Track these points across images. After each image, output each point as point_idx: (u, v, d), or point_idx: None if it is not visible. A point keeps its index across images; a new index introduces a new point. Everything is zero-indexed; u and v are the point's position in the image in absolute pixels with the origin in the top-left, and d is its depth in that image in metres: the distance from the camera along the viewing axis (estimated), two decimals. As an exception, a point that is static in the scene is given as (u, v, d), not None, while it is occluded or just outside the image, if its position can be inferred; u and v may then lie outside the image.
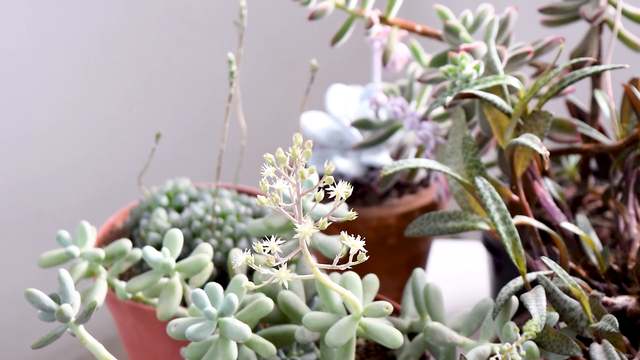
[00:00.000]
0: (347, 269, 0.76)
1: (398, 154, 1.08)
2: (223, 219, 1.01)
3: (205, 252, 0.90)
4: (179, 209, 1.04)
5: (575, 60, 0.92)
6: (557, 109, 1.04)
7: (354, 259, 0.75)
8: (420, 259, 1.17)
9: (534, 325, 0.72)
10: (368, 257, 0.74)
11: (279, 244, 0.72)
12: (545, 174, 1.05)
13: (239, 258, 0.74)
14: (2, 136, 1.45)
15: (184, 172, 1.25)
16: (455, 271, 1.28)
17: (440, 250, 1.31)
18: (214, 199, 1.01)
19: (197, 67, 1.58)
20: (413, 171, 1.13)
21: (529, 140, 0.87)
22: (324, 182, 0.72)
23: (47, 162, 1.49)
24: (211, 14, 1.56)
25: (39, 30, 1.46)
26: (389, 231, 1.12)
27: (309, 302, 0.90)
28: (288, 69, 1.64)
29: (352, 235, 0.74)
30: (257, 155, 1.45)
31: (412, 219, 1.12)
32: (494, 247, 1.12)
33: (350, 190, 0.73)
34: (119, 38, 1.51)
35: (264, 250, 0.72)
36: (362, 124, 1.11)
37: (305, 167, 0.73)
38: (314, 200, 0.74)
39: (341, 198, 0.73)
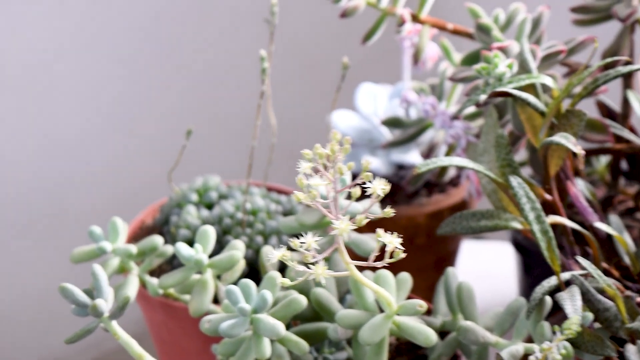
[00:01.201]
0: (383, 267, 0.76)
1: (429, 153, 1.08)
2: (253, 216, 1.00)
3: (237, 249, 0.90)
4: (209, 206, 1.04)
5: (608, 60, 0.91)
6: (587, 108, 1.03)
7: (390, 256, 0.75)
8: (448, 259, 1.17)
9: (574, 324, 0.71)
10: (404, 255, 0.74)
11: (315, 241, 0.72)
12: (576, 173, 1.05)
13: (274, 255, 0.74)
14: (32, 132, 1.45)
15: (212, 169, 1.24)
16: (483, 271, 1.28)
17: (468, 250, 1.31)
18: (244, 196, 1.00)
19: (227, 63, 1.58)
20: (443, 170, 1.12)
21: (563, 139, 0.87)
22: (361, 179, 0.72)
23: (76, 158, 1.49)
24: (241, 11, 1.56)
25: (69, 29, 1.46)
26: (418, 230, 1.11)
27: (341, 300, 0.90)
28: (316, 66, 1.63)
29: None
30: (286, 153, 1.46)
31: (442, 218, 1.12)
32: (523, 246, 1.12)
33: (388, 188, 0.73)
34: (148, 35, 1.51)
35: (301, 247, 0.72)
36: (392, 122, 1.10)
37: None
38: (349, 197, 0.73)
39: (378, 195, 0.72)
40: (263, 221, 1.00)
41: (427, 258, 1.15)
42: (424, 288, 1.15)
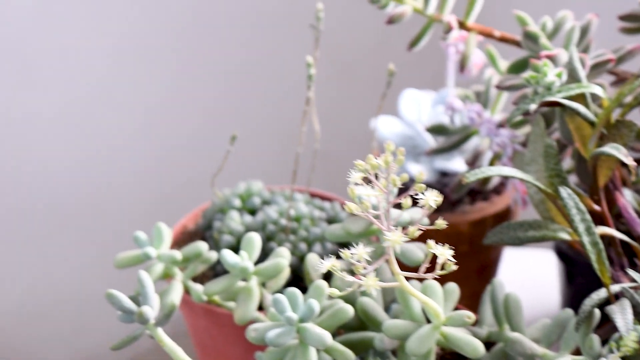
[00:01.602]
0: (433, 278, 0.75)
1: (474, 161, 1.07)
2: (297, 222, 1.00)
3: (282, 257, 0.89)
4: (252, 212, 1.04)
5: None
6: (634, 118, 1.02)
7: (441, 268, 0.74)
8: (491, 266, 1.16)
9: (631, 341, 0.71)
10: (456, 267, 0.73)
11: (367, 252, 0.71)
12: (624, 183, 1.03)
13: (323, 265, 0.73)
14: (73, 134, 1.46)
15: (254, 174, 1.24)
16: (525, 279, 1.27)
17: (511, 258, 1.30)
18: (288, 202, 1.00)
19: (271, 69, 1.58)
20: (487, 178, 1.11)
21: (614, 150, 0.86)
22: (414, 190, 0.71)
23: (118, 159, 1.50)
24: (286, 16, 1.56)
25: (108, 35, 1.46)
26: (461, 238, 1.11)
27: (386, 309, 0.89)
28: (361, 71, 1.63)
29: (424, 241, 0.74)
30: (330, 158, 1.45)
31: (485, 227, 1.11)
32: (566, 255, 1.11)
33: (440, 199, 0.72)
34: (192, 39, 1.51)
35: (351, 258, 0.71)
36: (436, 130, 1.10)
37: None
38: (398, 206, 0.73)
39: (430, 207, 0.72)
40: (307, 228, 1.00)
41: (470, 266, 1.14)
42: (467, 295, 1.14)
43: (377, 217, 0.73)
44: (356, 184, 0.72)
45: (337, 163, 1.53)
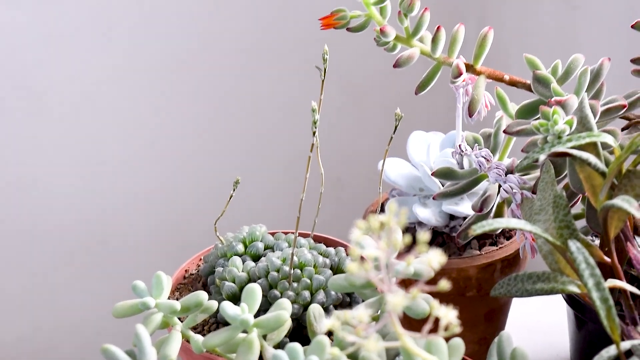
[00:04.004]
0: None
1: (482, 207, 1.05)
2: (300, 270, 0.98)
3: (284, 309, 0.87)
4: (255, 257, 1.02)
5: (674, 119, 0.88)
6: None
7: (445, 329, 0.72)
8: (500, 311, 1.14)
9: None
10: (461, 329, 0.71)
11: (368, 314, 0.69)
12: (635, 231, 1.01)
13: (324, 324, 0.71)
14: (84, 169, 1.44)
15: (259, 216, 1.22)
16: (534, 323, 1.25)
17: (520, 302, 1.28)
18: (291, 248, 0.98)
19: (278, 112, 1.57)
20: (495, 222, 1.09)
21: (626, 203, 0.83)
22: (417, 252, 0.69)
23: (122, 192, 1.48)
24: (294, 59, 1.55)
25: (114, 65, 1.45)
26: (469, 283, 1.08)
27: (390, 362, 0.87)
28: (369, 112, 1.62)
29: (432, 284, 0.72)
30: (336, 201, 1.44)
31: (493, 271, 1.09)
32: (577, 301, 1.08)
33: (445, 260, 0.70)
34: (201, 83, 1.50)
35: (353, 320, 0.69)
36: (444, 174, 1.08)
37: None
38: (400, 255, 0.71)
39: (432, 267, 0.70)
40: (310, 275, 0.98)
41: (478, 310, 1.12)
42: (475, 341, 1.12)
43: (379, 270, 0.71)
44: (357, 242, 0.70)
45: (345, 205, 1.52)
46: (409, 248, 1.04)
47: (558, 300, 1.24)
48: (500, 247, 1.10)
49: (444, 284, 0.71)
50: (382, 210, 1.13)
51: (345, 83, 1.60)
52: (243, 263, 1.00)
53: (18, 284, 1.47)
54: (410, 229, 1.12)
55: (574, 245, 0.84)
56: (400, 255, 1.00)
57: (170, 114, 1.51)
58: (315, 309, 0.89)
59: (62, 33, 1.43)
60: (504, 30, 1.69)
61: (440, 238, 1.12)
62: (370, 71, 1.61)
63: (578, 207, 1.07)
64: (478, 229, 0.84)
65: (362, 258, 0.71)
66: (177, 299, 0.98)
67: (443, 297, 0.71)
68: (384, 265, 0.71)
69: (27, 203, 1.46)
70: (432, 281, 0.73)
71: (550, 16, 1.64)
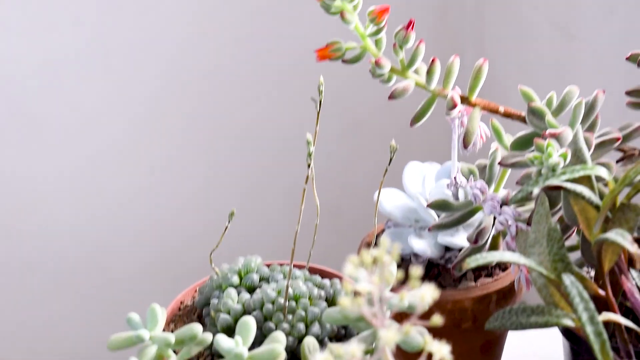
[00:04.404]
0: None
1: (477, 238, 1.05)
2: (296, 302, 0.98)
3: (278, 341, 0.87)
4: (251, 289, 1.02)
5: (667, 152, 0.88)
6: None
7: (438, 364, 0.72)
8: (495, 343, 1.14)
9: None
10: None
11: (361, 349, 0.69)
12: (630, 264, 1.01)
13: (317, 358, 0.71)
14: (82, 198, 1.45)
15: (255, 246, 1.22)
16: (531, 355, 1.24)
17: (515, 333, 1.27)
18: (286, 280, 0.98)
19: (272, 141, 1.57)
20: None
21: (620, 237, 0.83)
22: (409, 287, 0.69)
23: (124, 226, 1.49)
24: (288, 87, 1.55)
25: (112, 93, 1.46)
26: (464, 315, 1.08)
27: (384, 396, 0.87)
28: (365, 143, 1.62)
29: (427, 318, 0.72)
30: (334, 230, 1.44)
31: (489, 303, 1.09)
32: (572, 334, 1.08)
33: (437, 295, 0.70)
34: (197, 117, 1.51)
35: (346, 353, 0.69)
36: (439, 206, 1.08)
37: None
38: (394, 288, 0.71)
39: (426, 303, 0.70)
40: (305, 307, 0.97)
41: (474, 342, 1.12)
42: (470, 373, 1.12)
43: (372, 305, 0.71)
44: (351, 277, 0.70)
45: (341, 235, 1.52)
46: (405, 280, 1.04)
47: (554, 332, 1.23)
48: (495, 279, 1.10)
49: (437, 319, 0.71)
50: (378, 241, 1.13)
51: (343, 111, 1.60)
52: (238, 295, 1.00)
53: (12, 313, 1.47)
54: (406, 260, 1.12)
55: (567, 279, 0.84)
56: (396, 287, 1.00)
57: (167, 143, 1.52)
58: (309, 341, 0.89)
59: (59, 60, 1.44)
60: (502, 60, 1.69)
61: (435, 269, 1.12)
62: (369, 100, 1.61)
63: (574, 239, 1.07)
64: (472, 262, 0.84)
65: (355, 292, 0.71)
66: (172, 331, 0.98)
67: (439, 329, 0.71)
68: (377, 300, 0.71)
69: (23, 232, 1.46)
70: (428, 313, 0.73)
71: (548, 45, 1.64)
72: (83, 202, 1.47)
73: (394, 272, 0.87)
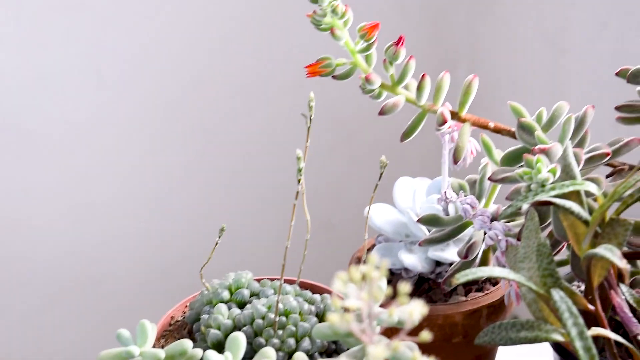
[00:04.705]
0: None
1: (467, 253, 1.05)
2: (286, 317, 0.98)
3: (269, 357, 0.88)
4: (241, 304, 1.02)
5: (656, 167, 0.89)
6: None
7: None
8: (486, 357, 1.14)
9: None
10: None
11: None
12: (619, 278, 1.01)
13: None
14: (73, 212, 1.44)
15: (246, 261, 1.22)
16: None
17: (506, 347, 1.27)
18: (277, 295, 0.98)
19: (264, 155, 1.57)
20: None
21: (608, 252, 0.84)
22: (398, 303, 0.69)
23: (111, 232, 1.48)
24: (281, 100, 1.56)
25: (99, 109, 1.46)
26: (455, 329, 1.08)
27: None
28: (355, 156, 1.62)
29: (417, 333, 0.72)
30: (327, 242, 1.44)
31: (479, 317, 1.09)
32: (562, 348, 1.08)
33: (426, 311, 0.70)
34: (187, 136, 1.51)
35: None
36: (429, 221, 1.08)
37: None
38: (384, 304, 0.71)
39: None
40: (295, 323, 0.98)
41: (465, 357, 1.12)
42: (460, 388, 1.12)
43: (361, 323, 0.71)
44: (340, 293, 0.70)
45: (332, 250, 1.52)
46: (394, 295, 1.04)
47: (545, 346, 1.24)
48: (486, 293, 1.10)
49: (425, 335, 0.71)
50: (369, 256, 1.14)
51: (335, 125, 1.61)
52: (229, 310, 1.00)
53: (2, 328, 1.46)
54: (397, 275, 1.12)
55: (557, 294, 0.84)
56: (386, 302, 1.00)
57: (159, 157, 1.52)
58: (299, 357, 0.89)
59: (52, 74, 1.44)
60: (494, 74, 1.70)
61: (426, 284, 1.12)
62: (361, 113, 1.61)
63: (564, 253, 1.07)
64: (461, 277, 0.84)
65: (345, 308, 0.71)
66: (163, 346, 0.98)
67: (429, 344, 0.71)
68: (365, 316, 0.71)
69: (15, 245, 1.46)
70: (419, 328, 0.73)
71: (540, 60, 1.65)
72: (73, 216, 1.47)
73: (383, 288, 0.87)
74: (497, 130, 1.03)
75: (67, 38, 1.45)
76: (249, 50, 1.58)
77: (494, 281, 1.12)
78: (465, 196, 1.05)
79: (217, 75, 1.56)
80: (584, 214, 0.89)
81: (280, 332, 0.97)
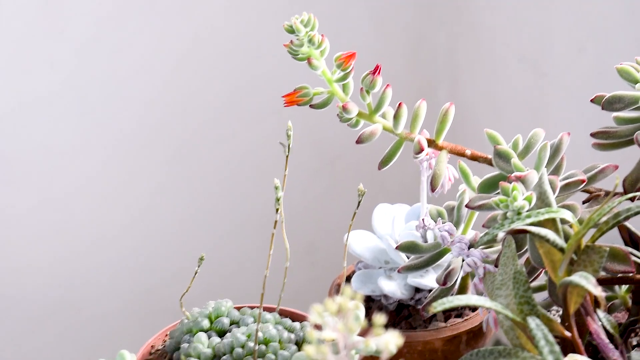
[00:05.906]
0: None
1: (445, 280, 1.06)
2: (265, 345, 0.98)
3: (247, 387, 0.88)
4: (221, 333, 1.02)
5: (630, 195, 0.90)
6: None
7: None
8: (465, 383, 1.14)
9: None
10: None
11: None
12: (596, 304, 1.02)
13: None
14: (53, 233, 1.45)
15: (226, 289, 1.23)
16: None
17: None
18: (256, 324, 0.99)
19: (244, 182, 1.58)
20: (461, 293, 1.10)
21: (583, 280, 0.84)
22: (373, 334, 0.70)
23: (92, 275, 1.49)
24: (260, 127, 1.56)
25: (80, 131, 1.46)
26: (435, 355, 1.09)
27: None
28: (342, 178, 1.63)
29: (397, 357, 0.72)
30: (310, 266, 1.44)
31: (459, 343, 1.10)
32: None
33: (402, 342, 0.71)
34: (167, 162, 1.51)
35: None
36: (408, 248, 1.08)
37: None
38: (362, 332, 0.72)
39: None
40: (275, 351, 0.98)
41: (444, 383, 1.12)
42: (441, 414, 1.13)
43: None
44: (316, 324, 0.71)
45: (318, 269, 1.53)
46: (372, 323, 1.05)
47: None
48: (465, 319, 1.11)
49: (392, 350, 0.72)
50: (349, 282, 1.14)
51: (317, 149, 1.61)
52: (209, 338, 1.01)
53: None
54: (376, 301, 1.13)
55: (533, 322, 0.85)
56: (365, 331, 1.00)
57: (139, 185, 1.52)
58: (279, 386, 0.90)
59: (34, 99, 1.44)
60: (474, 98, 1.71)
61: (406, 310, 1.12)
62: (342, 138, 1.62)
63: (542, 279, 1.08)
64: (439, 306, 0.85)
65: (322, 339, 0.71)
66: (143, 376, 0.98)
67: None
68: (342, 347, 0.72)
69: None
70: (398, 354, 0.73)
71: (519, 82, 1.66)
72: (54, 242, 1.47)
73: (361, 317, 0.87)
74: (474, 158, 1.04)
75: (49, 66, 1.46)
76: (229, 77, 1.59)
77: (473, 306, 1.13)
78: (443, 223, 1.06)
79: (198, 101, 1.57)
80: (560, 242, 0.89)
81: (260, 360, 0.98)
